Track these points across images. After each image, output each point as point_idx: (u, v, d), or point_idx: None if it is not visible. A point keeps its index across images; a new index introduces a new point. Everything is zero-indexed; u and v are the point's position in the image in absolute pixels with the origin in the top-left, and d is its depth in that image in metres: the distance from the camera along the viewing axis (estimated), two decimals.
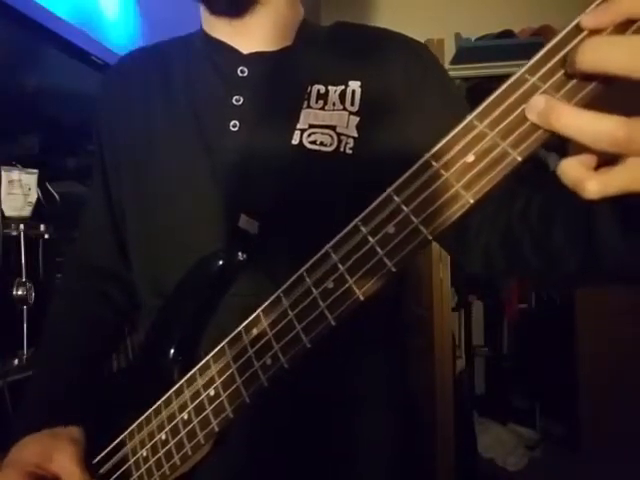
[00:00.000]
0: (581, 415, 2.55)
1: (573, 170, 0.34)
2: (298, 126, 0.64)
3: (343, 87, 0.66)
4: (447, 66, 2.48)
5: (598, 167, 0.35)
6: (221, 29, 0.71)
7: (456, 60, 2.68)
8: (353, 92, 0.66)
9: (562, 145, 2.64)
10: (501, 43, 2.52)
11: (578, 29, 0.35)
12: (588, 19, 0.34)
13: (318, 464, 0.66)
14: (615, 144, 0.32)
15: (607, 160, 0.35)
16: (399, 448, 0.71)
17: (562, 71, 0.35)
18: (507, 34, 2.59)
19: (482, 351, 3.09)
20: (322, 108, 0.65)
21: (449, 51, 2.49)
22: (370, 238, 0.43)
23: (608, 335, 2.49)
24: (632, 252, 0.44)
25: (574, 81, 0.34)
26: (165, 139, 0.69)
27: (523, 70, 0.36)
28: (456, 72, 2.63)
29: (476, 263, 0.64)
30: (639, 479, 2.08)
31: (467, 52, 2.60)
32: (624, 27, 0.33)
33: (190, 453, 0.55)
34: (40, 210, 1.47)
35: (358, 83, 0.66)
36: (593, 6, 0.34)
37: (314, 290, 0.46)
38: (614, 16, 0.33)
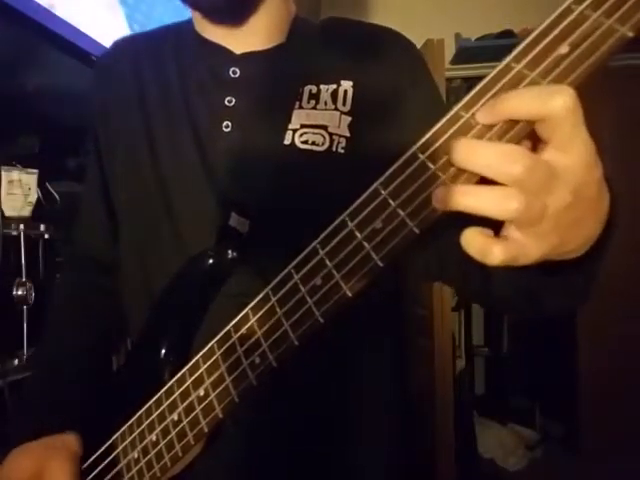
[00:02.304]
0: (581, 415, 2.55)
1: (478, 238, 0.37)
2: (290, 126, 0.65)
3: (335, 86, 0.67)
4: (447, 66, 2.47)
5: None
6: (213, 30, 0.71)
7: (456, 60, 2.68)
8: (345, 92, 0.66)
9: None
10: (501, 43, 2.52)
11: (569, 11, 0.35)
12: (481, 115, 0.37)
13: (317, 464, 0.65)
14: (511, 214, 0.35)
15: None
16: (399, 448, 0.72)
17: (549, 58, 0.35)
18: (507, 34, 2.59)
19: (482, 351, 3.08)
20: (314, 108, 0.66)
21: (449, 51, 2.49)
22: (357, 233, 0.42)
23: (608, 335, 2.48)
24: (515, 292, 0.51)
25: (562, 66, 0.35)
26: (160, 139, 0.69)
27: (509, 59, 0.37)
28: (456, 72, 2.64)
29: (456, 281, 0.67)
30: (639, 479, 2.08)
31: (467, 52, 2.60)
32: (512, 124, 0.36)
33: (180, 454, 0.55)
34: (40, 210, 1.48)
35: (350, 83, 0.67)
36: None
37: (302, 287, 0.46)
38: (501, 115, 0.36)
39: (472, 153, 0.36)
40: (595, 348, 2.52)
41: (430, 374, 2.23)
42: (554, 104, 0.33)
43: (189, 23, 0.76)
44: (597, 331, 2.52)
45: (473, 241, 0.37)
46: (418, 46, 2.28)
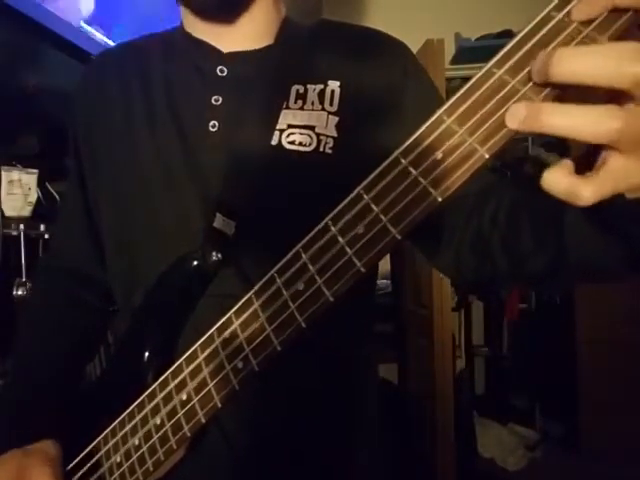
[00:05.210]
0: (581, 415, 2.55)
1: (563, 180, 0.32)
2: (277, 126, 0.64)
3: (322, 86, 0.66)
4: (447, 66, 2.47)
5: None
6: (202, 28, 0.70)
7: (456, 60, 2.68)
8: (332, 92, 0.65)
9: (562, 145, 2.63)
10: (501, 43, 2.49)
11: (544, 22, 0.34)
12: (579, 11, 0.33)
13: (315, 465, 0.65)
14: (611, 134, 0.30)
15: (581, 163, 0.33)
16: (397, 448, 0.72)
17: (530, 64, 0.34)
18: (507, 34, 2.58)
19: (482, 351, 3.08)
20: (301, 108, 0.65)
21: (449, 51, 2.49)
22: (339, 238, 0.42)
23: (608, 335, 2.48)
24: (599, 249, 0.43)
25: None
26: (144, 139, 0.68)
27: (491, 64, 0.35)
28: (456, 72, 2.63)
29: (449, 267, 0.65)
30: (639, 479, 2.08)
31: (467, 52, 2.60)
32: (613, 18, 0.32)
33: (163, 458, 0.54)
34: (40, 210, 1.48)
35: (337, 83, 0.66)
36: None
37: (284, 291, 0.45)
38: (603, 6, 0.32)
39: (580, 57, 0.30)
40: (595, 348, 2.52)
41: (430, 374, 2.23)
42: None
43: (178, 27, 0.75)
44: (597, 331, 2.52)
45: (557, 180, 0.32)
46: (418, 46, 2.26)
